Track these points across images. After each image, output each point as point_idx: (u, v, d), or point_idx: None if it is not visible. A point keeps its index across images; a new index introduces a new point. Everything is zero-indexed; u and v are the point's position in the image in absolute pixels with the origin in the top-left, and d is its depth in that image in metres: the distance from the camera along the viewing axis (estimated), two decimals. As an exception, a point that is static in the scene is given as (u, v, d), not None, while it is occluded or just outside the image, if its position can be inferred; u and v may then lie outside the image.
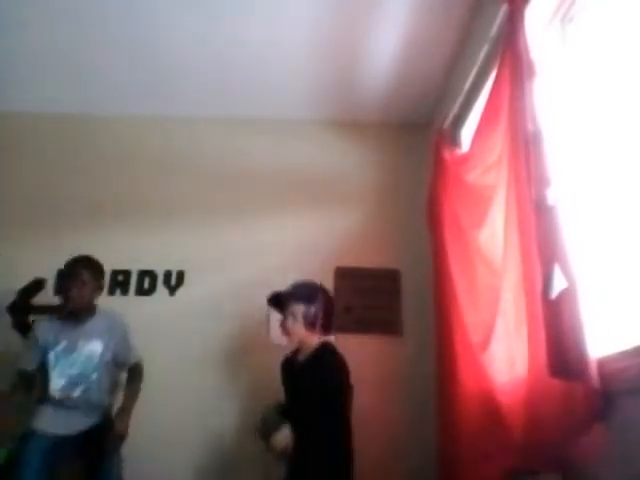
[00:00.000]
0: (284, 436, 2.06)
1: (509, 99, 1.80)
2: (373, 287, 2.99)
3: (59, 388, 2.31)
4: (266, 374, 2.83)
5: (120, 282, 2.97)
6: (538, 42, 1.78)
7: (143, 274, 2.98)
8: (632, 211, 1.47)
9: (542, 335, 1.46)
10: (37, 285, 2.92)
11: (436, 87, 3.00)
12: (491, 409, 1.82)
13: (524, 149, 1.62)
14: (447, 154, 2.60)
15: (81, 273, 2.35)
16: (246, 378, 2.83)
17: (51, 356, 2.32)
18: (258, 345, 2.87)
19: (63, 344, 2.33)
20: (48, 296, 2.89)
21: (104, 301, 2.89)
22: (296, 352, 2.37)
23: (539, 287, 1.47)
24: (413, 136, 3.25)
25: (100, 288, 2.46)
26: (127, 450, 2.36)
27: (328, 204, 2.76)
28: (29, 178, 3.15)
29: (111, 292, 2.95)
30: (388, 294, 2.98)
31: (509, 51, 1.81)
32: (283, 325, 2.34)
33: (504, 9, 1.93)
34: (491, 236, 2.01)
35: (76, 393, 2.32)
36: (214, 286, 2.94)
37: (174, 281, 2.99)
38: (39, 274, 2.93)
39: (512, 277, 1.74)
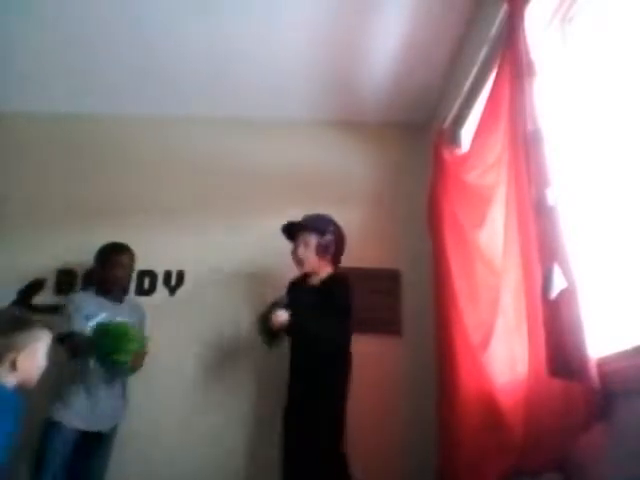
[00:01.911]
0: (283, 312, 2.29)
1: (509, 99, 1.80)
2: (373, 287, 2.99)
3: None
4: (266, 374, 2.84)
5: (120, 282, 2.97)
6: (538, 42, 1.78)
7: (143, 274, 2.98)
8: (632, 211, 1.47)
9: (542, 335, 1.46)
10: (37, 285, 2.93)
11: (436, 87, 3.00)
12: (491, 409, 1.82)
13: (524, 149, 1.62)
14: (447, 154, 2.60)
15: (125, 257, 2.65)
16: (246, 378, 2.83)
17: (92, 324, 2.42)
18: (258, 345, 2.87)
19: (103, 315, 2.48)
20: (48, 296, 2.89)
21: (104, 301, 2.92)
22: (304, 278, 2.53)
23: (539, 287, 1.47)
24: (413, 136, 3.25)
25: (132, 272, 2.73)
26: (126, 450, 2.36)
27: (328, 204, 2.75)
28: (28, 178, 3.15)
29: (111, 292, 2.95)
30: (388, 294, 2.98)
31: (509, 51, 1.81)
32: (295, 252, 2.51)
33: (504, 9, 1.93)
34: (491, 236, 2.01)
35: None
36: (214, 286, 2.94)
37: (174, 281, 2.99)
38: (39, 274, 2.93)
39: (512, 277, 1.74)
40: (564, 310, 1.38)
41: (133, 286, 2.96)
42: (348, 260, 3.00)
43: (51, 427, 2.31)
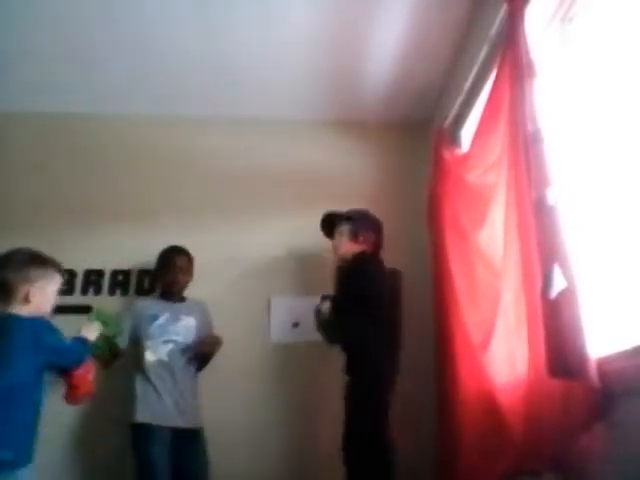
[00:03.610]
0: (326, 306, 2.36)
1: (509, 99, 1.80)
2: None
3: (167, 352, 2.52)
4: (266, 373, 2.84)
5: (120, 282, 2.97)
6: (538, 42, 1.78)
7: (143, 274, 2.98)
8: (632, 211, 1.47)
9: (542, 335, 1.46)
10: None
11: (436, 87, 3.00)
12: (491, 409, 1.82)
13: (524, 149, 1.62)
14: (447, 154, 2.60)
15: (186, 261, 2.74)
16: (245, 377, 2.83)
17: (155, 326, 2.56)
18: (258, 345, 2.88)
19: (166, 316, 2.60)
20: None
21: (104, 301, 2.91)
22: (339, 267, 2.54)
23: (539, 287, 1.47)
24: (413, 136, 3.24)
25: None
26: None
27: (327, 203, 2.75)
28: (31, 177, 3.14)
29: (111, 292, 2.95)
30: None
31: (509, 51, 1.81)
32: (332, 243, 2.59)
33: (504, 9, 1.93)
34: (491, 236, 2.01)
35: (181, 362, 2.53)
36: (214, 286, 2.94)
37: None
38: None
39: (512, 277, 1.74)
40: (564, 310, 1.38)
41: (133, 286, 2.97)
42: (348, 260, 3.01)
43: (139, 430, 2.40)
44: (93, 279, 2.95)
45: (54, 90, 3.08)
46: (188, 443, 2.45)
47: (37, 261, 1.92)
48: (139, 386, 2.48)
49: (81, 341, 1.99)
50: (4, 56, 2.80)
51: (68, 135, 3.25)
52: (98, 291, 2.94)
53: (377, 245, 2.55)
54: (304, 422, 2.76)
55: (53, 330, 1.85)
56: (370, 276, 2.34)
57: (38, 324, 1.82)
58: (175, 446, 2.41)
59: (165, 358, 2.52)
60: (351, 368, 2.31)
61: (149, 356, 2.51)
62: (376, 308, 2.28)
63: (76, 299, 2.89)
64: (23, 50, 2.77)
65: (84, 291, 2.93)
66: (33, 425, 1.76)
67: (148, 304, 2.68)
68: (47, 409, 1.84)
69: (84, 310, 2.86)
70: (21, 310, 1.82)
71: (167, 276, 2.71)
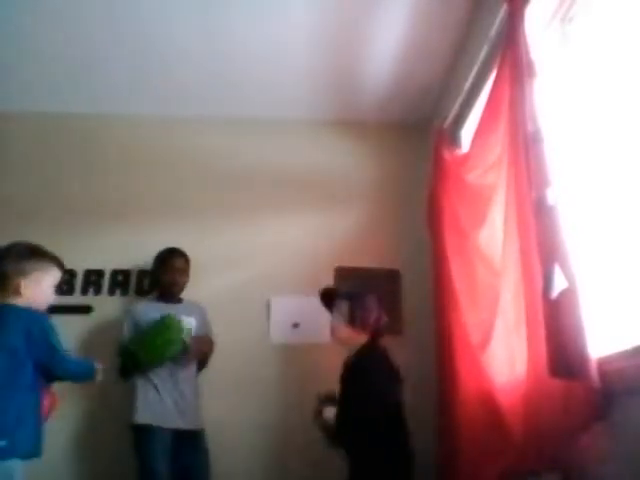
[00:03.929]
0: (330, 412, 2.10)
1: (509, 99, 1.80)
2: (373, 287, 2.98)
3: None
4: (266, 374, 2.84)
5: (120, 282, 2.97)
6: (538, 42, 1.78)
7: (143, 274, 2.98)
8: (632, 211, 1.47)
9: (542, 335, 1.46)
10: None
11: (436, 87, 3.00)
12: (491, 409, 1.82)
13: (524, 149, 1.62)
14: (447, 154, 2.60)
15: (183, 262, 2.74)
16: (245, 378, 2.83)
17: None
18: (258, 345, 2.87)
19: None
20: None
21: (104, 301, 2.92)
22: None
23: (539, 287, 1.47)
24: (413, 136, 3.25)
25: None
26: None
27: (328, 204, 2.76)
28: (31, 177, 3.15)
29: (111, 292, 2.95)
30: (388, 294, 2.98)
31: (509, 51, 1.81)
32: (331, 324, 2.29)
33: (504, 9, 1.93)
34: (491, 236, 2.01)
35: (181, 363, 2.52)
36: (214, 286, 2.94)
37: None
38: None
39: (512, 277, 1.74)
40: (564, 310, 1.38)
41: (133, 286, 2.97)
42: (348, 260, 3.01)
43: (141, 432, 2.39)
44: (93, 279, 2.95)
45: (54, 90, 3.08)
46: (189, 444, 2.44)
47: (34, 254, 1.90)
48: (140, 387, 2.48)
49: (89, 362, 1.96)
50: (4, 56, 2.81)
51: (68, 135, 3.25)
52: (98, 291, 2.94)
53: (378, 327, 2.22)
54: (304, 423, 2.75)
55: (47, 329, 1.82)
56: (375, 380, 2.05)
57: (35, 318, 1.81)
58: (176, 447, 2.40)
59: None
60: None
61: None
62: (380, 411, 2.01)
63: (76, 299, 2.90)
64: (23, 50, 2.77)
65: (84, 291, 2.93)
66: (31, 416, 1.73)
67: (148, 306, 2.67)
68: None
69: (84, 310, 2.88)
70: (15, 302, 1.81)
71: (166, 277, 2.70)
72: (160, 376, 2.48)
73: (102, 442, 2.67)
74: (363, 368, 2.08)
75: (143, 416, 2.41)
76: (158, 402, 2.44)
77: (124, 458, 2.45)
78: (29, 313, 1.81)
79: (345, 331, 2.22)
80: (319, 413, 2.17)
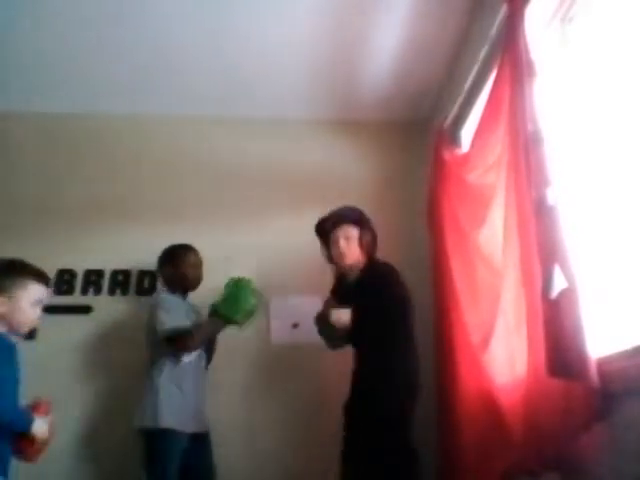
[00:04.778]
0: (344, 312, 2.15)
1: (509, 99, 1.81)
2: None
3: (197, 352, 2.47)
4: (266, 374, 2.84)
5: (120, 282, 2.96)
6: (538, 42, 1.78)
7: (143, 274, 2.98)
8: (632, 211, 1.47)
9: (542, 335, 1.46)
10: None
11: (436, 87, 3.00)
12: (491, 409, 1.82)
13: (524, 149, 1.63)
14: (447, 154, 2.60)
15: (200, 259, 2.67)
16: (245, 377, 2.83)
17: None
18: (258, 345, 2.87)
19: (193, 315, 2.53)
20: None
21: (104, 301, 2.92)
22: (341, 278, 2.38)
23: (539, 287, 1.47)
24: (413, 136, 3.24)
25: None
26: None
27: (328, 203, 2.74)
28: (31, 177, 3.14)
29: (111, 292, 2.94)
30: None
31: (509, 51, 1.81)
32: (336, 248, 2.32)
33: (504, 9, 1.93)
34: (491, 236, 2.01)
35: (201, 363, 2.50)
36: (214, 286, 2.93)
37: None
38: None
39: (512, 277, 1.74)
40: (564, 310, 1.38)
41: (133, 286, 2.96)
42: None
43: (162, 436, 2.25)
44: (93, 279, 2.95)
45: (54, 90, 3.08)
46: (199, 446, 2.38)
47: (11, 269, 1.76)
48: (162, 389, 2.32)
49: (26, 412, 1.71)
50: (4, 56, 2.81)
51: (68, 135, 3.25)
52: (98, 291, 2.94)
53: (374, 252, 2.40)
54: (304, 423, 2.75)
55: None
56: (404, 286, 2.21)
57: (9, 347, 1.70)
58: (187, 449, 2.33)
59: (194, 359, 2.44)
60: (381, 374, 2.11)
61: (186, 357, 2.40)
62: (411, 318, 2.20)
63: (76, 299, 2.90)
64: (23, 50, 2.77)
65: (84, 291, 2.93)
66: None
67: (178, 300, 2.56)
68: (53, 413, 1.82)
69: (84, 310, 2.88)
70: None
71: (190, 273, 2.61)
72: (186, 377, 2.39)
73: (108, 443, 2.65)
74: (390, 273, 2.23)
75: (167, 420, 2.26)
76: (182, 405, 2.33)
77: (130, 459, 2.42)
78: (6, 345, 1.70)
79: (358, 255, 2.32)
80: (326, 316, 2.20)
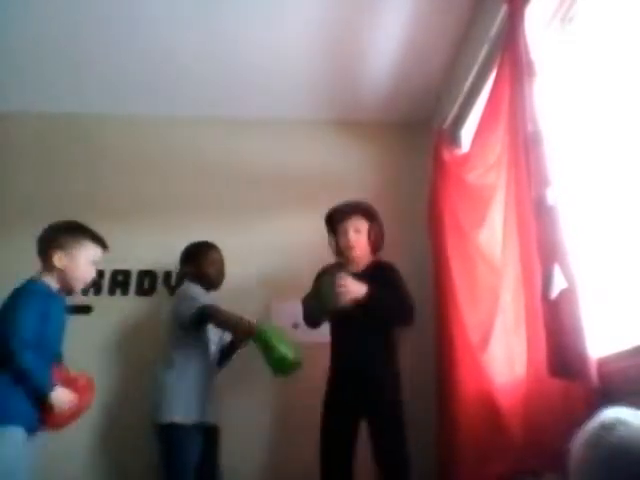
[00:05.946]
0: (359, 284, 2.13)
1: (509, 99, 1.80)
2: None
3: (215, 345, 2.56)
4: (265, 375, 2.84)
5: (120, 282, 2.97)
6: (538, 42, 1.78)
7: (143, 274, 2.98)
8: (632, 211, 1.47)
9: (542, 335, 1.46)
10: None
11: (436, 87, 3.00)
12: (491, 409, 1.82)
13: (524, 149, 1.62)
14: (447, 154, 2.60)
15: (220, 255, 2.69)
16: (245, 377, 2.83)
17: None
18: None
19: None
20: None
21: (104, 301, 2.92)
22: (338, 266, 2.35)
23: (539, 287, 1.47)
24: (413, 136, 3.24)
25: None
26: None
27: (328, 204, 2.75)
28: (28, 178, 3.15)
29: (111, 292, 2.95)
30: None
31: (509, 51, 1.81)
32: (345, 239, 2.33)
33: (504, 9, 1.93)
34: (491, 236, 2.01)
35: (216, 356, 2.57)
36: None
37: (174, 281, 2.98)
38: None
39: (512, 277, 1.74)
40: (564, 310, 1.38)
41: (133, 286, 2.96)
42: (348, 260, 3.00)
43: (178, 430, 2.27)
44: (93, 279, 2.95)
45: (54, 90, 3.08)
46: (210, 439, 2.41)
47: (72, 228, 1.93)
48: (178, 383, 2.34)
49: (49, 376, 1.71)
50: (4, 56, 2.81)
51: (68, 135, 3.25)
52: (98, 291, 2.94)
53: (380, 248, 2.44)
54: (304, 424, 2.75)
55: (23, 301, 1.74)
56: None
57: (26, 286, 1.79)
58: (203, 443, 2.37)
59: (215, 351, 2.52)
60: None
61: (212, 334, 2.49)
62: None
63: (76, 299, 2.89)
64: (23, 50, 2.77)
65: (84, 291, 2.91)
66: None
67: (202, 292, 2.53)
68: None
69: (84, 310, 2.88)
70: (47, 277, 1.83)
71: (212, 271, 2.62)
72: (206, 370, 2.43)
73: (108, 442, 2.66)
74: (399, 271, 2.31)
75: (186, 414, 2.29)
76: (198, 399, 2.34)
77: (145, 453, 2.43)
78: (29, 284, 1.80)
79: (366, 248, 2.36)
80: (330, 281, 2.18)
